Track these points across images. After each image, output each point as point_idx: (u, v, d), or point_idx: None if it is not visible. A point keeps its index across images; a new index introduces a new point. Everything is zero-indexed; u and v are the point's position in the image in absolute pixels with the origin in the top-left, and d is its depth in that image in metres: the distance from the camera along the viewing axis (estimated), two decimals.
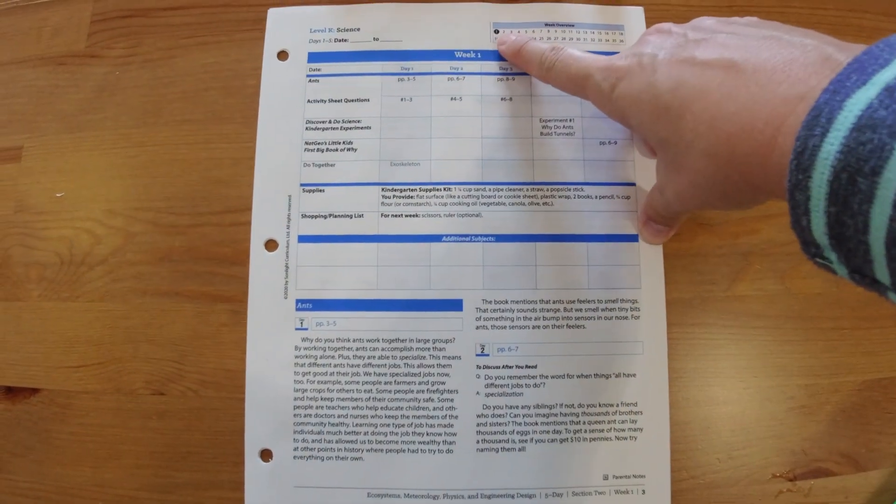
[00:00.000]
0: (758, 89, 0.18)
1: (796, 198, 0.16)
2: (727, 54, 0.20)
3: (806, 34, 0.19)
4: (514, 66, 0.31)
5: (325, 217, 0.30)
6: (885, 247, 0.14)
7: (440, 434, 0.29)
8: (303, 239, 0.30)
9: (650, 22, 0.32)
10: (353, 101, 0.31)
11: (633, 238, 0.30)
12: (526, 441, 0.28)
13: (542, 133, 0.31)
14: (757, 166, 0.18)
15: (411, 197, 0.30)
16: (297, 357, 0.29)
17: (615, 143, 0.31)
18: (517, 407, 0.29)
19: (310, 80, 0.32)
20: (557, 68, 0.27)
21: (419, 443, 0.29)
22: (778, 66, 0.18)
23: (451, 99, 0.31)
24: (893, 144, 0.13)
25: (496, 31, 0.32)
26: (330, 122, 0.31)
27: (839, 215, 0.15)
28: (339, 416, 0.29)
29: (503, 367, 0.29)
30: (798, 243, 0.18)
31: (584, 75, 0.26)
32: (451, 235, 0.30)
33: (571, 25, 0.32)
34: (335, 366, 0.29)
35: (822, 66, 0.17)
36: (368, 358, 0.29)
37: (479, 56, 0.32)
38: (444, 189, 0.30)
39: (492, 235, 0.30)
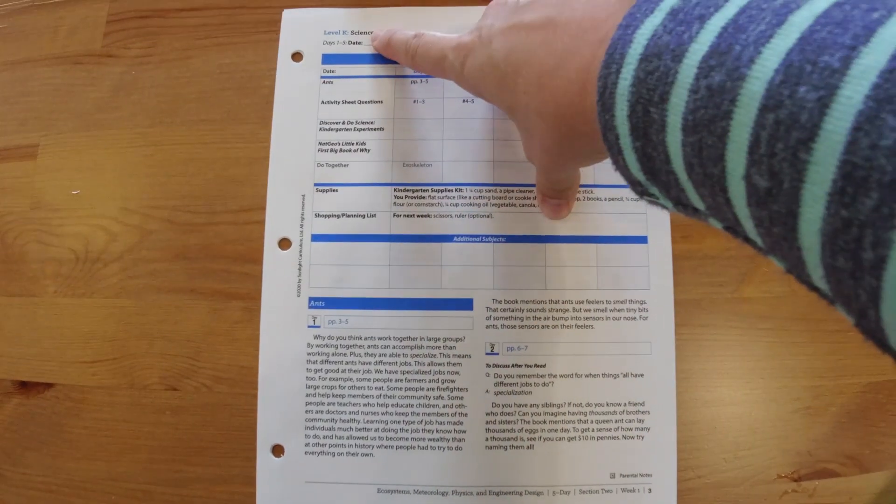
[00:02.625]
0: (570, 40, 0.18)
1: (608, 138, 0.16)
2: (546, 11, 0.20)
3: None
4: (387, 57, 0.32)
5: (338, 216, 0.31)
6: (686, 173, 0.14)
7: (450, 431, 0.29)
8: (316, 238, 0.31)
9: None
10: (366, 102, 0.32)
11: (642, 239, 0.30)
12: (534, 439, 0.29)
13: None
14: (578, 116, 0.18)
15: (423, 197, 0.31)
16: (309, 354, 0.30)
17: None
18: (526, 405, 0.29)
19: (324, 82, 0.32)
20: (420, 54, 0.28)
21: (429, 439, 0.29)
22: (587, 13, 0.18)
23: (464, 101, 0.32)
24: (677, 68, 0.13)
25: None
26: (343, 123, 0.32)
27: (644, 149, 0.15)
28: (350, 413, 0.29)
29: (512, 365, 0.29)
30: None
31: (441, 57, 0.26)
32: (462, 236, 0.30)
33: None
34: (347, 363, 0.29)
35: (620, 3, 0.17)
36: (380, 356, 0.29)
37: None
38: (456, 190, 0.31)
39: (502, 236, 0.30)
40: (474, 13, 0.33)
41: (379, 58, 0.32)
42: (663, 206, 0.17)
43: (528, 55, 0.20)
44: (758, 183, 0.12)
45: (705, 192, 0.14)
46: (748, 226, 0.13)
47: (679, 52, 0.13)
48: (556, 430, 0.29)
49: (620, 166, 0.17)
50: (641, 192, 0.18)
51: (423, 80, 0.32)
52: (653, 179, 0.16)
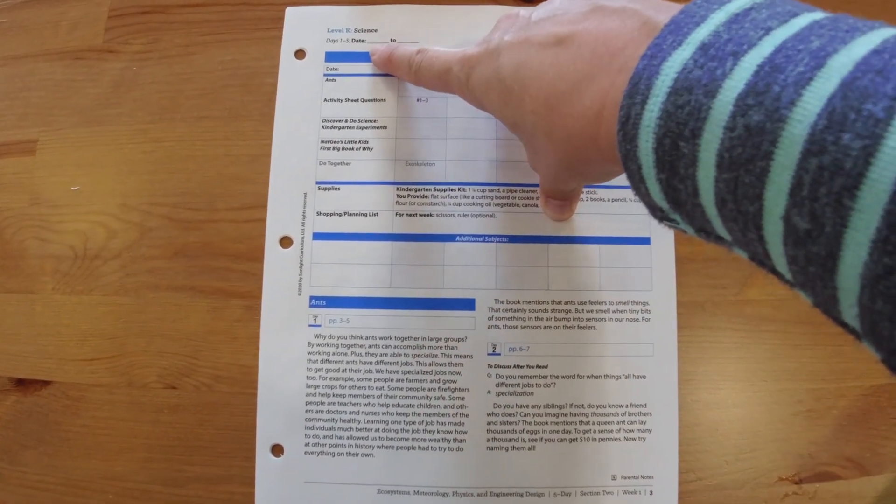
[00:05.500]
0: (583, 64, 0.18)
1: (630, 167, 0.16)
2: (557, 30, 0.19)
3: (631, 0, 0.18)
4: (388, 73, 0.32)
5: (339, 215, 0.31)
6: (716, 207, 0.14)
7: (451, 432, 0.29)
8: (317, 236, 0.30)
9: None
10: (369, 100, 0.32)
11: (645, 241, 0.30)
12: (536, 440, 0.29)
13: None
14: (590, 142, 0.18)
15: (426, 197, 0.31)
16: (309, 353, 0.29)
17: None
18: (527, 406, 0.29)
19: (327, 80, 0.32)
20: (423, 68, 0.27)
21: (430, 440, 0.29)
22: (600, 38, 0.18)
23: None
24: (710, 104, 0.13)
25: None
26: (346, 121, 0.32)
27: (670, 181, 0.15)
28: (350, 413, 0.29)
29: (514, 366, 0.29)
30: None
31: (445, 70, 0.26)
32: (464, 235, 0.30)
33: None
34: (348, 363, 0.29)
35: (639, 31, 0.17)
36: (381, 355, 0.29)
37: None
38: (459, 189, 0.31)
39: (505, 236, 0.30)
40: (480, 12, 0.33)
41: None
42: (683, 231, 0.17)
43: (537, 73, 0.20)
44: (798, 224, 0.12)
45: (735, 227, 0.14)
46: (779, 261, 0.13)
47: (712, 87, 0.13)
48: (557, 432, 0.29)
49: (642, 193, 0.17)
50: (661, 218, 0.17)
51: None
52: (677, 209, 0.16)
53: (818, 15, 0.13)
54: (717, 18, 0.14)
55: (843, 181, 0.11)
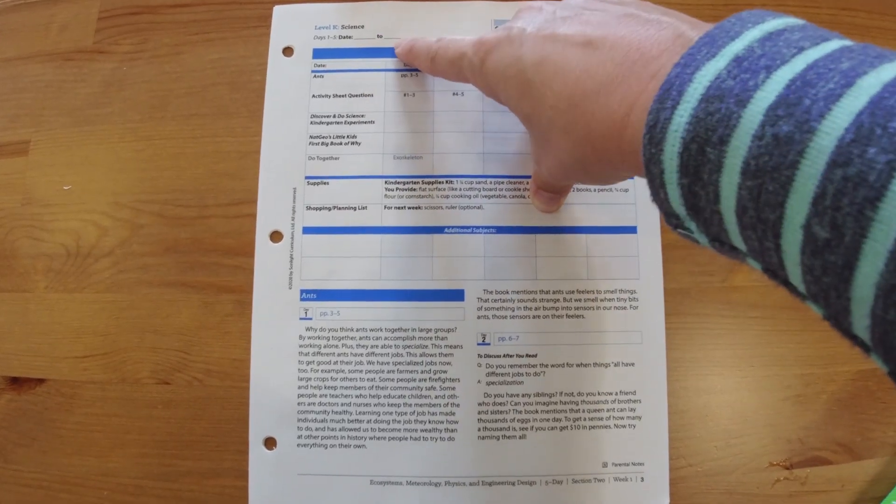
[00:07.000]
0: (613, 67, 0.18)
1: (652, 171, 0.16)
2: (587, 31, 0.20)
3: (665, 12, 0.19)
4: (410, 65, 0.32)
5: (329, 209, 0.31)
6: (736, 215, 0.14)
7: (442, 422, 0.29)
8: (307, 230, 0.31)
9: None
10: (357, 96, 0.32)
11: (631, 230, 0.30)
12: (526, 429, 0.29)
13: None
14: (612, 143, 0.18)
15: (414, 189, 0.31)
16: (301, 346, 0.30)
17: None
18: (518, 395, 0.29)
19: (314, 76, 0.32)
20: (440, 55, 0.27)
21: (421, 430, 0.29)
22: (633, 44, 0.18)
23: (454, 94, 0.32)
24: (741, 113, 0.14)
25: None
26: (334, 116, 0.32)
27: (691, 186, 0.15)
28: (342, 405, 0.29)
29: (504, 356, 0.29)
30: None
31: (459, 55, 0.26)
32: (453, 227, 0.30)
33: None
34: (339, 355, 0.30)
35: (673, 42, 0.17)
36: (372, 347, 0.29)
37: None
38: (447, 182, 0.31)
39: (493, 227, 0.30)
40: (465, 8, 0.33)
41: (369, 52, 0.33)
42: (696, 241, 0.18)
43: (562, 70, 0.20)
44: (818, 233, 0.12)
45: (752, 236, 0.14)
46: (794, 272, 0.14)
47: (744, 97, 0.14)
48: (548, 420, 0.29)
49: (659, 199, 0.17)
50: (676, 225, 0.18)
51: (413, 73, 0.32)
52: (694, 215, 0.16)
53: (848, 42, 0.14)
54: (752, 35, 0.15)
55: (865, 192, 0.11)
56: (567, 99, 0.20)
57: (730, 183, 0.14)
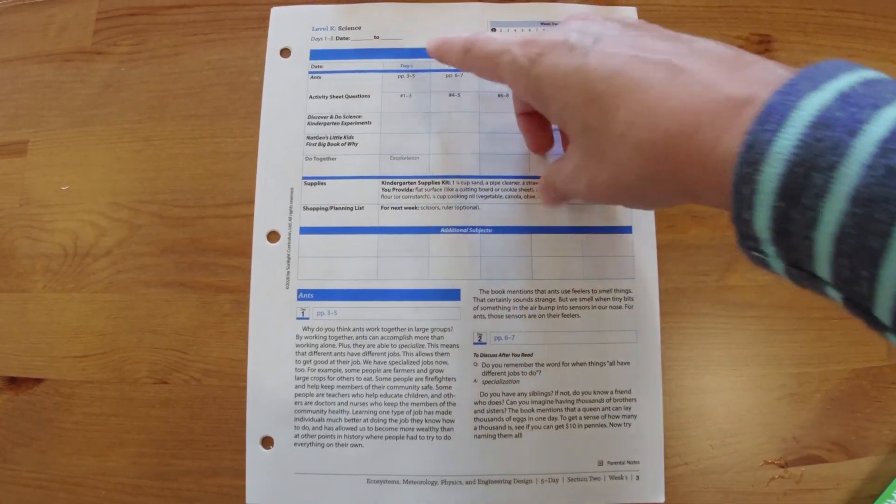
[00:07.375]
0: (702, 89, 0.18)
1: (742, 191, 0.16)
2: (664, 56, 0.20)
3: (726, 46, 0.20)
4: (440, 59, 0.30)
5: (326, 209, 0.31)
6: (834, 241, 0.15)
7: (438, 421, 0.29)
8: (304, 230, 0.31)
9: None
10: (354, 97, 0.32)
11: (626, 230, 0.31)
12: (522, 428, 0.29)
13: None
14: (696, 163, 0.18)
15: (410, 190, 0.31)
16: (298, 346, 0.30)
17: None
18: (514, 394, 0.29)
19: (312, 77, 0.33)
20: (477, 47, 0.26)
21: (418, 429, 0.29)
22: (721, 70, 0.18)
23: (450, 95, 0.32)
24: (851, 142, 0.14)
25: (494, 30, 0.33)
26: (331, 117, 0.32)
27: (788, 210, 0.16)
28: (339, 404, 0.29)
29: (500, 355, 0.30)
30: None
31: (502, 50, 0.25)
32: (449, 227, 0.31)
33: None
34: (336, 354, 0.30)
35: (757, 73, 0.18)
36: (368, 346, 0.30)
37: None
38: (443, 182, 0.31)
39: (489, 227, 0.31)
40: (462, 9, 0.33)
41: (366, 53, 0.33)
42: (769, 267, 0.18)
43: (637, 86, 0.20)
44: None
45: (846, 263, 0.15)
46: (883, 303, 0.14)
47: (853, 128, 0.14)
48: (543, 419, 0.29)
49: (742, 220, 0.17)
50: (751, 248, 0.18)
51: (410, 74, 0.32)
52: (778, 239, 0.16)
53: None
54: (851, 79, 0.16)
55: None
56: (645, 115, 0.19)
57: (833, 209, 0.15)
